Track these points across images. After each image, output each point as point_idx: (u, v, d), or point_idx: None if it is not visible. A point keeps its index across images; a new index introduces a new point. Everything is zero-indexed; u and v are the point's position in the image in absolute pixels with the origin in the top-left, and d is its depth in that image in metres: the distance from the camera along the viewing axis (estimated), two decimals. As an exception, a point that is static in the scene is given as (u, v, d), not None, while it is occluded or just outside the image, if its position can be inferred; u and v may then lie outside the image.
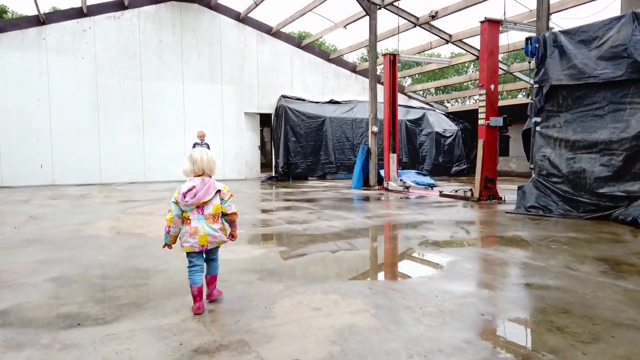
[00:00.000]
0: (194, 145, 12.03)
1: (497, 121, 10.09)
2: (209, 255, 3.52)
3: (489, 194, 10.20)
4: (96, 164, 16.38)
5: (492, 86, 10.18)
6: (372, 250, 5.68)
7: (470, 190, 10.55)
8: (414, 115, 20.58)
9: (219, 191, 3.41)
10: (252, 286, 3.94)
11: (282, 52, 19.43)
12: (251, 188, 14.75)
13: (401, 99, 19.94)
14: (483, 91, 10.21)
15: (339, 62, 20.66)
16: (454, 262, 4.74)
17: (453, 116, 22.36)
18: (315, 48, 19.99)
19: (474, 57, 16.35)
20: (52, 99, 15.72)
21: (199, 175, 3.39)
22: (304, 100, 19.27)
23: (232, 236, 3.61)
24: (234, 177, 18.56)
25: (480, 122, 10.27)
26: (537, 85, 8.68)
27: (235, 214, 3.55)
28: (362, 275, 4.53)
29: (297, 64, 19.74)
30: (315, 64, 20.09)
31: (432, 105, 22.64)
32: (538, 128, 8.69)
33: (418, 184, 13.77)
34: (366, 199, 11.42)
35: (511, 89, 17.90)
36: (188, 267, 3.42)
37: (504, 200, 10.15)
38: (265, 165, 21.59)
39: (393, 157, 13.68)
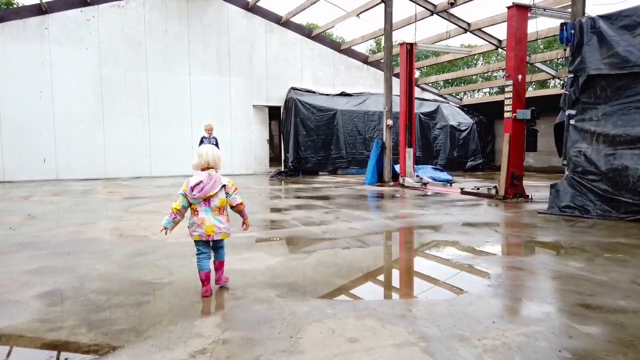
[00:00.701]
0: (202, 139, 11.50)
1: (525, 114, 9.44)
2: (215, 243, 3.75)
3: (515, 192, 9.57)
4: (100, 158, 15.89)
5: (520, 76, 9.52)
6: (404, 259, 5.09)
7: (495, 187, 9.91)
8: (427, 108, 19.90)
9: (224, 186, 3.63)
10: (272, 306, 3.37)
11: (292, 43, 18.79)
12: (260, 184, 14.19)
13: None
14: (509, 82, 9.55)
15: (350, 53, 19.99)
16: (500, 276, 4.15)
17: (467, 109, 21.64)
18: (325, 38, 19.35)
19: (493, 47, 15.62)
20: (55, 90, 15.22)
21: (205, 169, 3.61)
22: (314, 92, 18.65)
23: (245, 225, 3.87)
24: (242, 171, 18.02)
25: (507, 114, 9.62)
26: (571, 75, 8.00)
27: (241, 204, 3.76)
28: (398, 292, 3.95)
29: (307, 54, 19.10)
30: (326, 54, 19.43)
31: (445, 98, 21.93)
32: (572, 121, 8.02)
33: (435, 180, 13.15)
34: (383, 196, 10.82)
35: (530, 81, 17.15)
36: (196, 254, 3.72)
37: (531, 198, 9.52)
38: (273, 160, 21.02)
39: (409, 152, 13.05)
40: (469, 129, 20.24)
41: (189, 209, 3.65)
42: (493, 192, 9.90)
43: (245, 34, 17.96)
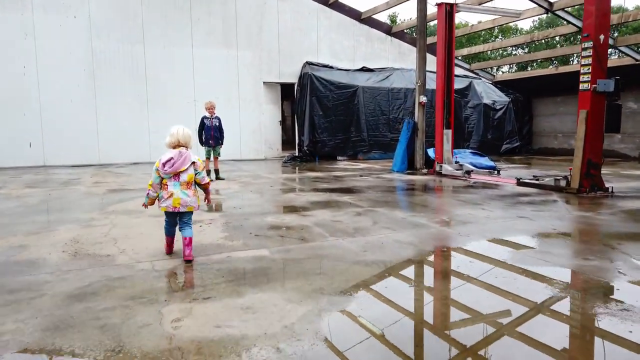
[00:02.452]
0: (202, 120, 9.70)
1: (607, 85, 7.41)
2: (182, 217, 3.98)
3: (591, 184, 7.60)
4: (93, 142, 14.16)
5: (602, 37, 7.46)
6: (506, 310, 3.22)
7: (566, 177, 7.94)
8: (458, 84, 17.61)
9: (193, 163, 3.95)
10: None
11: (307, 11, 16.71)
12: (272, 171, 12.35)
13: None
14: (588, 44, 7.50)
15: (372, 22, 17.83)
16: None
17: (501, 86, 19.45)
18: (345, 6, 17.17)
19: (542, 11, 13.39)
20: (40, 65, 13.43)
21: (177, 147, 3.94)
22: (331, 67, 16.63)
23: (207, 200, 4.26)
24: (251, 156, 16.19)
25: (583, 86, 7.62)
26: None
27: (208, 183, 4.16)
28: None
29: (324, 25, 17.00)
30: (345, 25, 17.32)
31: (477, 74, 19.73)
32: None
33: (476, 166, 11.17)
34: (421, 188, 8.92)
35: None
36: (165, 224, 4.12)
37: (612, 192, 7.56)
38: (285, 143, 19.11)
39: (447, 134, 11.07)
40: (504, 108, 18.11)
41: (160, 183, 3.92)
42: (562, 183, 7.94)
43: (254, 0, 15.92)
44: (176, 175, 3.87)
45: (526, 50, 31.33)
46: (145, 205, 4.10)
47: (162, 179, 3.89)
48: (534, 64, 26.25)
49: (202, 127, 9.71)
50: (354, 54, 17.51)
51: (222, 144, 10.04)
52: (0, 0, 12.93)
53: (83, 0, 13.80)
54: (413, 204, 7.07)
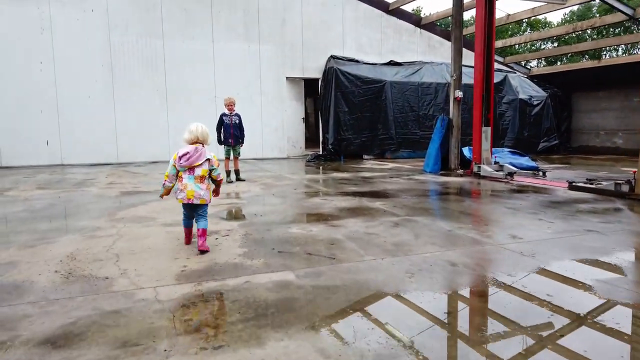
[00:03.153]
0: (221, 118, 9.06)
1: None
2: (197, 210, 4.20)
3: (660, 190, 6.65)
4: (112, 140, 13.72)
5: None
6: None
7: (629, 181, 7.00)
8: (492, 79, 16.71)
9: (208, 159, 4.17)
10: None
11: (332, 3, 15.94)
12: (295, 171, 11.66)
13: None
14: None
15: (400, 14, 16.94)
16: None
17: (537, 80, 18.31)
18: (371, -4, 16.32)
19: (587, -1, 12.28)
20: (58, 60, 13.04)
21: (194, 143, 4.13)
22: (357, 61, 15.84)
23: (215, 192, 4.53)
24: (274, 154, 15.54)
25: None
26: None
27: (221, 180, 4.53)
28: None
29: (350, 17, 16.21)
30: (372, 16, 16.48)
31: (512, 67, 18.63)
32: None
33: (516, 167, 10.25)
34: (462, 192, 8.09)
35: (630, 42, 13.83)
36: (183, 216, 4.39)
37: (684, 199, 6.60)
38: (307, 141, 18.37)
39: (486, 132, 10.18)
40: (541, 104, 17.00)
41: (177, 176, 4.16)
42: (625, 188, 7.01)
43: (277, -8, 15.24)
44: (191, 169, 4.09)
45: (556, 44, 29.90)
46: (161, 196, 4.35)
47: (178, 171, 4.12)
48: (565, 58, 24.87)
49: (221, 124, 9.06)
50: (380, 47, 16.67)
51: (242, 142, 9.39)
52: (17, -6, 12.57)
53: (101, -7, 13.34)
54: (456, 212, 6.27)
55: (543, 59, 31.16)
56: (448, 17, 14.45)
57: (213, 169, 4.22)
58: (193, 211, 4.23)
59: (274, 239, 4.70)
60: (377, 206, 6.52)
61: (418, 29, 17.16)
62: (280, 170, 11.84)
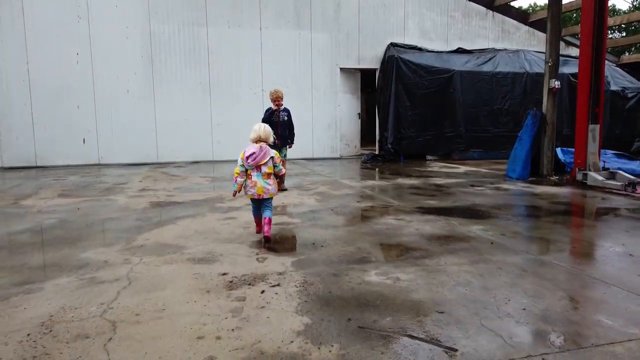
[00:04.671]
0: (267, 112, 7.57)
1: None
2: (264, 202, 4.58)
3: None
4: (151, 138, 12.62)
5: None
6: None
7: None
8: (576, 67, 14.41)
9: (272, 157, 4.50)
10: None
11: (393, -17, 14.13)
12: (352, 176, 10.06)
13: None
14: None
15: (470, -6, 14.90)
16: None
17: (628, 69, 15.76)
18: (438, -26, 14.40)
19: None
20: (95, 52, 12.03)
21: (258, 142, 4.53)
22: (420, 49, 14.01)
23: (279, 186, 5.26)
24: (325, 154, 14.00)
25: None
26: None
27: (284, 174, 5.52)
28: None
29: (413, -2, 14.36)
30: (437, -2, 14.56)
31: (599, 55, 16.12)
32: None
33: (629, 173, 8.18)
34: (585, 211, 6.22)
35: None
36: (252, 209, 4.80)
37: None
38: (362, 139, 16.69)
39: (594, 131, 8.17)
40: (637, 97, 14.51)
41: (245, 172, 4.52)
42: None
43: (331, -27, 13.64)
44: (258, 167, 4.44)
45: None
46: (234, 193, 4.57)
47: (247, 169, 4.47)
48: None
49: (267, 122, 7.55)
50: (446, 32, 14.72)
51: (291, 143, 7.81)
52: (53, -20, 11.64)
53: (141, -22, 12.23)
54: (608, 249, 4.45)
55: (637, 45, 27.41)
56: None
57: (276, 166, 4.55)
58: (261, 204, 4.59)
59: (347, 296, 3.14)
60: (477, 233, 4.82)
61: (490, 12, 15.05)
62: (334, 173, 10.28)
